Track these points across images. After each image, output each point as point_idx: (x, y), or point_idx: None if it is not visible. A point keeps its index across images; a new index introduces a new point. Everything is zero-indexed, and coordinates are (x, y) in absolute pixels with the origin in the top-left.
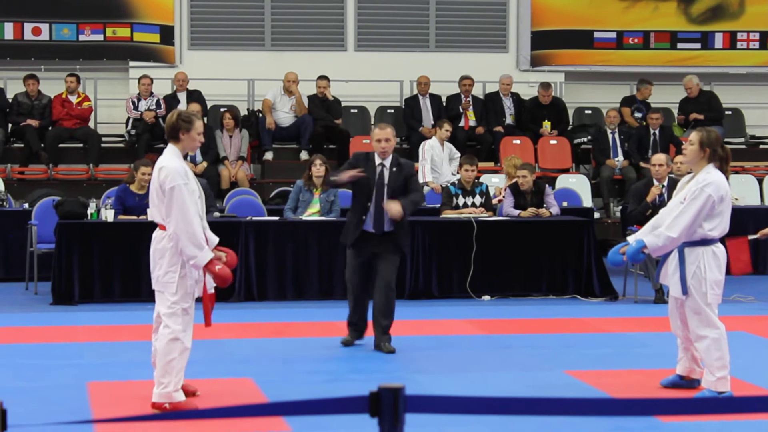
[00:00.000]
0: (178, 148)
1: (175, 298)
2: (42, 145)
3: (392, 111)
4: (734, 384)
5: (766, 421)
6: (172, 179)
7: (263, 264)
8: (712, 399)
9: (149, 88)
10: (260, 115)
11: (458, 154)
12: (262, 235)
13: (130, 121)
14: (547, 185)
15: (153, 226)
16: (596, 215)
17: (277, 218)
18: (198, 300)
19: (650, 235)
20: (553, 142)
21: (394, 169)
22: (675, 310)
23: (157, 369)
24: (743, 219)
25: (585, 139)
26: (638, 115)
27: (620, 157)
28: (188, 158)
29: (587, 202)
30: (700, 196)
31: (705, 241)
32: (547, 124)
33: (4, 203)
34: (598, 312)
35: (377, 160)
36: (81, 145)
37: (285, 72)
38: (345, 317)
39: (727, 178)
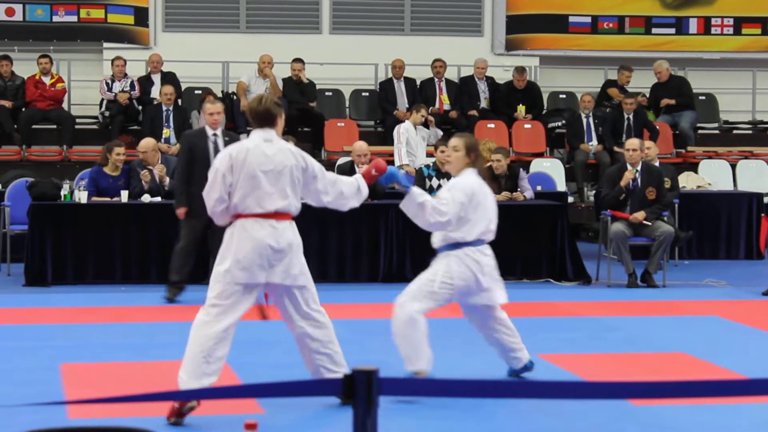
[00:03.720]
0: (277, 132)
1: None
2: (15, 126)
3: (367, 94)
4: (706, 368)
5: (737, 405)
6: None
7: None
8: (683, 383)
9: (123, 70)
10: (235, 97)
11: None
12: None
13: (104, 102)
14: (521, 169)
15: (127, 207)
16: (570, 199)
17: None
18: None
19: (424, 196)
20: (527, 126)
21: (227, 138)
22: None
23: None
24: (717, 204)
25: (559, 124)
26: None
27: (594, 142)
28: (162, 140)
29: (561, 186)
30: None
31: (457, 245)
32: (521, 108)
33: None
34: (571, 296)
35: (209, 131)
36: (54, 126)
37: (260, 54)
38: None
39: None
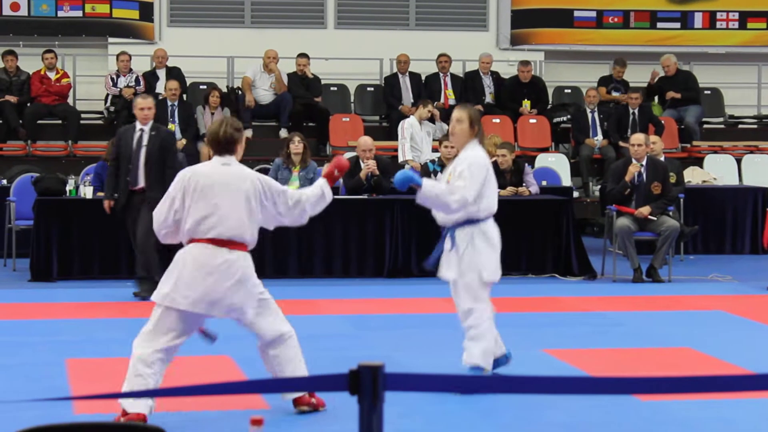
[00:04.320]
0: (236, 157)
1: None
2: (20, 121)
3: (372, 89)
4: (711, 363)
5: (744, 400)
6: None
7: None
8: (689, 378)
9: (128, 65)
10: (240, 92)
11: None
12: None
13: (109, 97)
14: (526, 164)
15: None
16: (575, 194)
17: None
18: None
19: (437, 186)
20: (532, 121)
21: (153, 132)
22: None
23: None
24: (722, 199)
25: (564, 119)
26: (616, 93)
27: (599, 137)
28: None
29: (566, 181)
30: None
31: (472, 221)
32: (526, 103)
33: None
34: (576, 291)
35: (138, 126)
36: (60, 121)
37: (265, 49)
38: (325, 295)
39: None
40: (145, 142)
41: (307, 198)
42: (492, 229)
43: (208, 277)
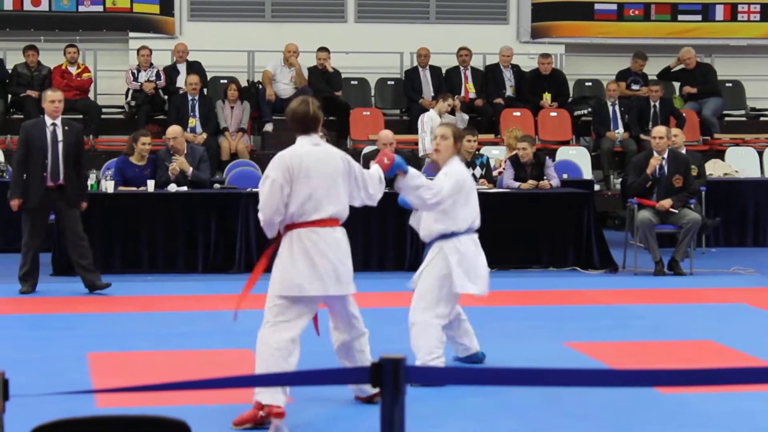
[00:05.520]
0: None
1: None
2: (40, 116)
3: (392, 83)
4: (734, 356)
5: (765, 393)
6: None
7: (263, 235)
8: (711, 370)
9: (149, 60)
10: (260, 86)
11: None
12: None
13: (130, 92)
14: (547, 157)
15: (153, 197)
16: (596, 187)
17: None
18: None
19: (420, 178)
20: (553, 114)
21: (67, 127)
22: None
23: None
24: (744, 191)
25: (585, 111)
26: (636, 87)
27: (620, 130)
28: (188, 129)
29: (587, 174)
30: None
31: (446, 235)
32: (547, 96)
33: (4, 174)
34: (597, 284)
35: (48, 121)
36: (81, 116)
37: (285, 43)
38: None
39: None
40: (60, 137)
41: (374, 178)
42: (466, 245)
43: (326, 258)
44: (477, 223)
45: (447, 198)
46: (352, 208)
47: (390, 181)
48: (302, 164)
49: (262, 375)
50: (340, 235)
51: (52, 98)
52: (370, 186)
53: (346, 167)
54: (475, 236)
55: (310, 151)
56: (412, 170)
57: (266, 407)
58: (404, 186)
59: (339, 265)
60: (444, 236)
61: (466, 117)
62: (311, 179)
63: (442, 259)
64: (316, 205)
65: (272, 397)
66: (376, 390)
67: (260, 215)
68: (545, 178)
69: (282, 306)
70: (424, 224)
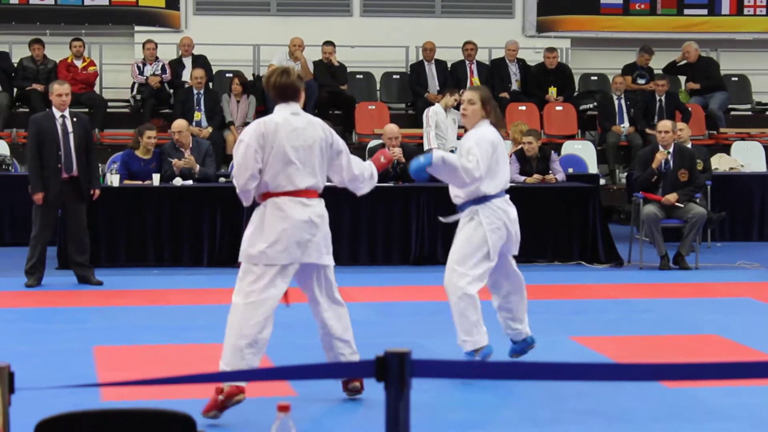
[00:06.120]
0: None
1: None
2: (47, 109)
3: (398, 77)
4: (739, 350)
5: None
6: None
7: None
8: (716, 365)
9: (154, 53)
10: None
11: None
12: None
13: (136, 86)
14: (552, 151)
15: (158, 190)
16: (602, 181)
17: None
18: None
19: (450, 158)
20: (558, 108)
21: (75, 119)
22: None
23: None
24: (749, 185)
25: (591, 106)
26: (641, 81)
27: (626, 124)
28: (193, 123)
29: (593, 168)
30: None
31: (480, 199)
32: (552, 91)
33: (10, 168)
34: (603, 278)
35: (57, 113)
36: (86, 110)
37: (290, 37)
38: (351, 283)
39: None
40: (70, 128)
41: (361, 165)
42: (500, 208)
43: (297, 226)
44: (507, 185)
45: (483, 173)
46: (354, 199)
47: (404, 174)
48: (278, 131)
49: (265, 369)
50: (313, 204)
51: (60, 91)
52: (356, 168)
53: (328, 139)
54: (507, 197)
55: (288, 119)
56: (436, 153)
57: (225, 390)
58: (436, 168)
59: (308, 234)
60: (476, 200)
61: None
62: (287, 148)
63: (477, 225)
64: (292, 174)
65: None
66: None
67: (234, 181)
68: (550, 172)
69: (252, 274)
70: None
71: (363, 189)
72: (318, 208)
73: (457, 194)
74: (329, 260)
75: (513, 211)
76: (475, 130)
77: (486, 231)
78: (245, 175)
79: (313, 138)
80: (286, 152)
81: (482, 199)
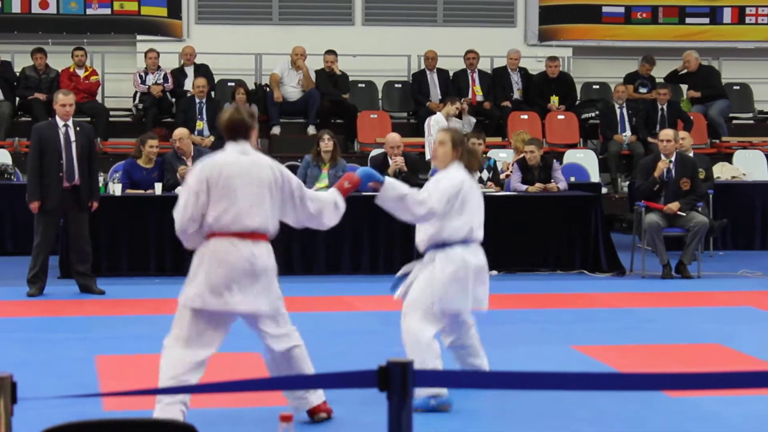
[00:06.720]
0: (251, 144)
1: None
2: (49, 119)
3: (399, 86)
4: (741, 359)
5: None
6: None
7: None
8: (719, 374)
9: (156, 62)
10: (267, 89)
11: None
12: None
13: (138, 95)
14: (554, 160)
15: (160, 199)
16: (604, 190)
17: None
18: None
19: (402, 188)
20: (560, 117)
21: (78, 128)
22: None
23: None
24: (751, 194)
25: (593, 114)
26: (643, 90)
27: (628, 133)
28: (195, 132)
29: (595, 177)
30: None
31: (439, 245)
32: (554, 99)
33: (12, 177)
34: (605, 287)
35: (60, 123)
36: (88, 119)
37: (292, 46)
38: (353, 292)
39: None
40: (73, 137)
41: (320, 200)
42: (460, 257)
43: (237, 272)
44: (477, 234)
45: (437, 207)
46: (356, 208)
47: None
48: (222, 173)
49: (267, 379)
50: (259, 250)
51: (64, 101)
52: (312, 206)
53: (277, 179)
54: (474, 247)
55: (236, 159)
56: (388, 180)
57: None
58: (385, 198)
59: (247, 280)
60: (436, 245)
61: (474, 120)
62: (233, 189)
63: (432, 271)
64: (237, 216)
65: (168, 409)
66: (320, 401)
67: (175, 223)
68: (552, 181)
69: (187, 318)
70: (419, 228)
71: (326, 223)
72: (263, 255)
73: (420, 238)
74: (270, 308)
75: (477, 262)
76: (442, 173)
77: (441, 279)
78: (185, 218)
79: (261, 178)
80: (232, 192)
81: (442, 245)
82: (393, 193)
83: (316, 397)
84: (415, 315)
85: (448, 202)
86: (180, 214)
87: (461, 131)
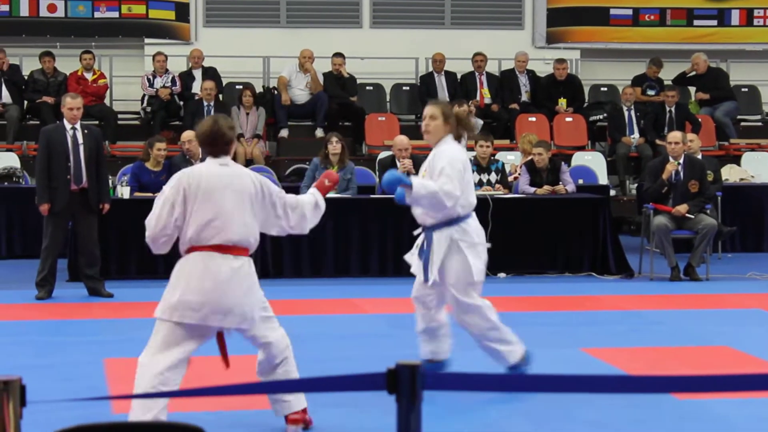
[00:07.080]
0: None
1: None
2: (57, 122)
3: (407, 88)
4: (750, 362)
5: None
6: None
7: (279, 241)
8: (728, 377)
9: (164, 65)
10: (275, 92)
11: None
12: None
13: (146, 98)
14: (562, 162)
15: None
16: (612, 193)
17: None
18: None
19: (428, 184)
20: (568, 119)
21: (86, 131)
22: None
23: None
24: (760, 196)
25: (601, 117)
26: (651, 92)
27: (636, 135)
28: None
29: (603, 179)
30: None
31: (452, 221)
32: (562, 102)
33: (20, 180)
34: (614, 289)
35: (68, 126)
36: (96, 122)
37: (300, 49)
38: (361, 294)
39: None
40: (81, 140)
41: (302, 205)
42: (472, 227)
43: (217, 286)
44: (474, 203)
45: (459, 194)
46: (365, 211)
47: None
48: (201, 185)
49: (276, 382)
50: (239, 264)
51: (71, 105)
52: (294, 214)
53: (258, 191)
54: (474, 214)
55: (215, 171)
56: (416, 179)
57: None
58: (416, 200)
59: (224, 296)
60: (450, 221)
61: (481, 122)
62: (212, 202)
63: (459, 250)
64: (217, 229)
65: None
66: (302, 407)
67: (146, 231)
68: (561, 183)
69: (165, 329)
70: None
71: (308, 226)
72: (243, 269)
73: (427, 217)
74: (253, 321)
75: (479, 231)
76: (441, 148)
77: (468, 255)
78: (157, 228)
79: (242, 190)
80: (213, 204)
81: (455, 221)
82: (424, 191)
83: (298, 402)
84: (471, 293)
85: (461, 183)
86: (153, 223)
87: (448, 103)
